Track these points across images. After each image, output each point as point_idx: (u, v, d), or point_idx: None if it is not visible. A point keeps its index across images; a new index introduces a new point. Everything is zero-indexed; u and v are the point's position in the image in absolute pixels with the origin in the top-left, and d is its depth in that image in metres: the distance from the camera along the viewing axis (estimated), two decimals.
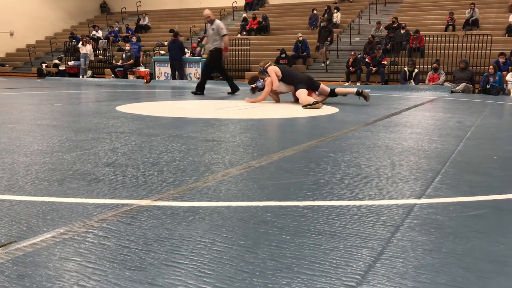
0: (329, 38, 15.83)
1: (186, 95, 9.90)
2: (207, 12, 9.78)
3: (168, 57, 15.93)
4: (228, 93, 9.98)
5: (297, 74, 8.14)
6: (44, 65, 20.18)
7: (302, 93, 7.48)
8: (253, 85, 8.03)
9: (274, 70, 7.80)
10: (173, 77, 15.53)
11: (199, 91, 9.70)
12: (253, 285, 1.33)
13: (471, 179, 2.62)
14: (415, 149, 3.50)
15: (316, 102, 7.02)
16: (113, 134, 4.02)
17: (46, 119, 5.04)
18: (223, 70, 10.56)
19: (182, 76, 15.31)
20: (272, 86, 7.76)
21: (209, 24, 9.79)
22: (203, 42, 10.46)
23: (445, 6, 17.82)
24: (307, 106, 6.99)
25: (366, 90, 7.87)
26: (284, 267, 1.45)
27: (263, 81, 7.90)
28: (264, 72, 7.95)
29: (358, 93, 7.71)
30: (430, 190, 2.37)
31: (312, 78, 8.01)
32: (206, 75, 10.13)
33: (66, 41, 20.98)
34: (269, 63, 8.01)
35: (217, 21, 9.70)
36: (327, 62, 15.57)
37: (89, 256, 1.50)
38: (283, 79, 7.83)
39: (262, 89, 7.98)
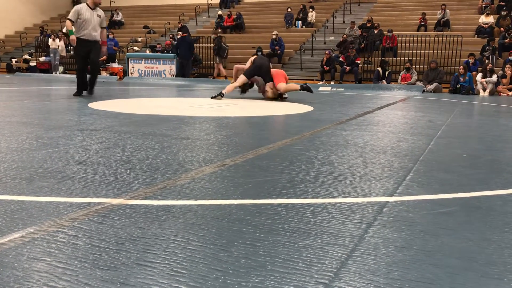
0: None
1: (161, 92, 9.81)
2: None
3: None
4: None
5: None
6: (14, 60, 19.68)
7: (281, 85, 7.94)
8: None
9: (250, 60, 8.31)
10: (179, 75, 15.13)
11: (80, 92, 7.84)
12: (226, 284, 1.32)
13: (442, 177, 2.67)
14: (387, 148, 3.55)
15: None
16: (85, 132, 3.95)
17: (15, 116, 4.91)
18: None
19: (187, 74, 14.92)
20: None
21: (89, 9, 7.58)
22: (69, 27, 7.66)
23: (417, 7, 18.13)
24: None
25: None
26: (257, 265, 1.45)
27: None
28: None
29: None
30: (402, 188, 2.41)
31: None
32: (83, 69, 7.99)
33: (37, 36, 20.51)
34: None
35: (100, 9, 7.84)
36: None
37: (59, 256, 1.47)
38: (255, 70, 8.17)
39: (252, 85, 8.43)
